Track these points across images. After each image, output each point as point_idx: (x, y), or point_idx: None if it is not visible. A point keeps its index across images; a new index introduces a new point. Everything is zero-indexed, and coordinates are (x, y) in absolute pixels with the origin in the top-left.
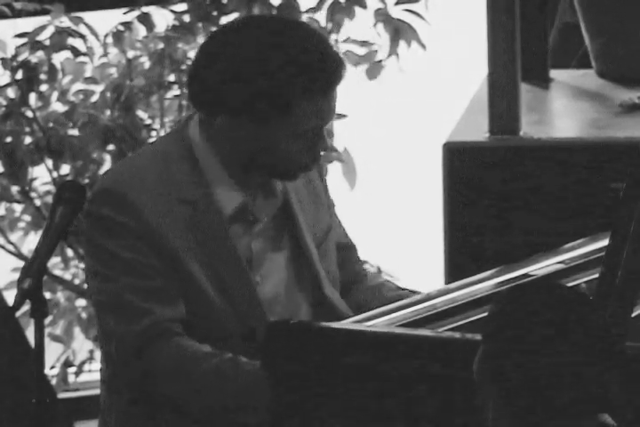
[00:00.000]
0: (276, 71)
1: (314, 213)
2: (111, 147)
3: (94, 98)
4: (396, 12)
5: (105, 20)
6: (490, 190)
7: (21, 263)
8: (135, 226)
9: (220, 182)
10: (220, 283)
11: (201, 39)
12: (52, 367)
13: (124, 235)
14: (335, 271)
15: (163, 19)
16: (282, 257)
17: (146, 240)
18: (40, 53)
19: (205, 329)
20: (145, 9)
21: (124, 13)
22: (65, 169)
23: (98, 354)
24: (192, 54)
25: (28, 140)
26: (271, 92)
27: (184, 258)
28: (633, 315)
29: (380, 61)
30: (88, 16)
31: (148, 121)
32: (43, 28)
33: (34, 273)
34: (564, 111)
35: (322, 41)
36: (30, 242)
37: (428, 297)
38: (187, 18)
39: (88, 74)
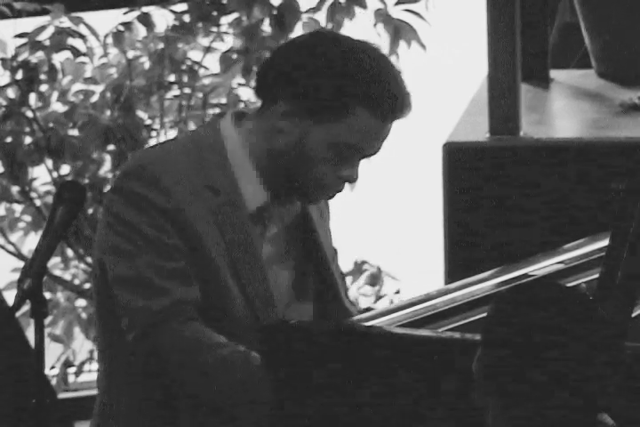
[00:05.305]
0: (352, 75)
1: (323, 235)
2: (111, 147)
3: (94, 98)
4: (396, 12)
5: (105, 20)
6: (490, 190)
7: (21, 263)
8: (164, 205)
9: (246, 178)
10: (237, 276)
11: (201, 39)
12: (52, 367)
13: (152, 213)
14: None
15: (163, 19)
16: (286, 272)
17: (173, 221)
18: (40, 54)
19: (219, 318)
20: (145, 9)
21: (124, 13)
22: (65, 169)
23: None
24: (192, 54)
25: (28, 140)
26: (338, 90)
27: (207, 244)
28: (633, 315)
29: None
30: (88, 16)
31: (148, 121)
32: (43, 28)
33: (34, 273)
34: (563, 111)
35: (401, 77)
36: (30, 242)
37: (428, 297)
38: (187, 18)
39: (88, 74)
